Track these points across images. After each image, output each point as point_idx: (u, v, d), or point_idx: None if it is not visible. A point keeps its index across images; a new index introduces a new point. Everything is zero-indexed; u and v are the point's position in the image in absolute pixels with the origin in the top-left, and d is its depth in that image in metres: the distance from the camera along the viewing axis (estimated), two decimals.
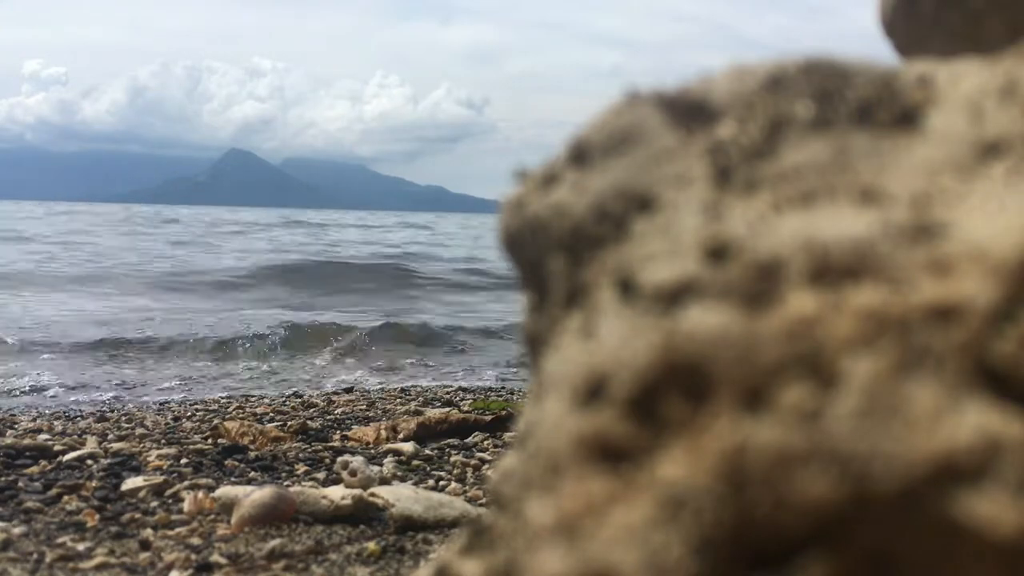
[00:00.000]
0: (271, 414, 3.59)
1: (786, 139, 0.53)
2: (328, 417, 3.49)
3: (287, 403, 3.94)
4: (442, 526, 1.97)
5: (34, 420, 3.49)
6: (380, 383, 4.88)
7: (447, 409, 3.49)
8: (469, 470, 2.62)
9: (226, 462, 2.61)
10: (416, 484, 2.37)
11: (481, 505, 2.17)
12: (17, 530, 1.96)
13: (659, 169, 0.55)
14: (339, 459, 2.45)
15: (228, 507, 2.04)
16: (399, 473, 2.53)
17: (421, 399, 4.04)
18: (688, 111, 0.57)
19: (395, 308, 8.29)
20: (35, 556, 1.82)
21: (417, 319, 7.21)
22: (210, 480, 2.39)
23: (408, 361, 5.76)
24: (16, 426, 3.26)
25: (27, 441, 2.75)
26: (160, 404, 4.12)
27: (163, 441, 2.91)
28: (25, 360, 5.31)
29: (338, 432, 3.13)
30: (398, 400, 4.02)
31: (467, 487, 2.43)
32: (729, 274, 0.46)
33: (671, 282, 0.47)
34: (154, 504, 2.18)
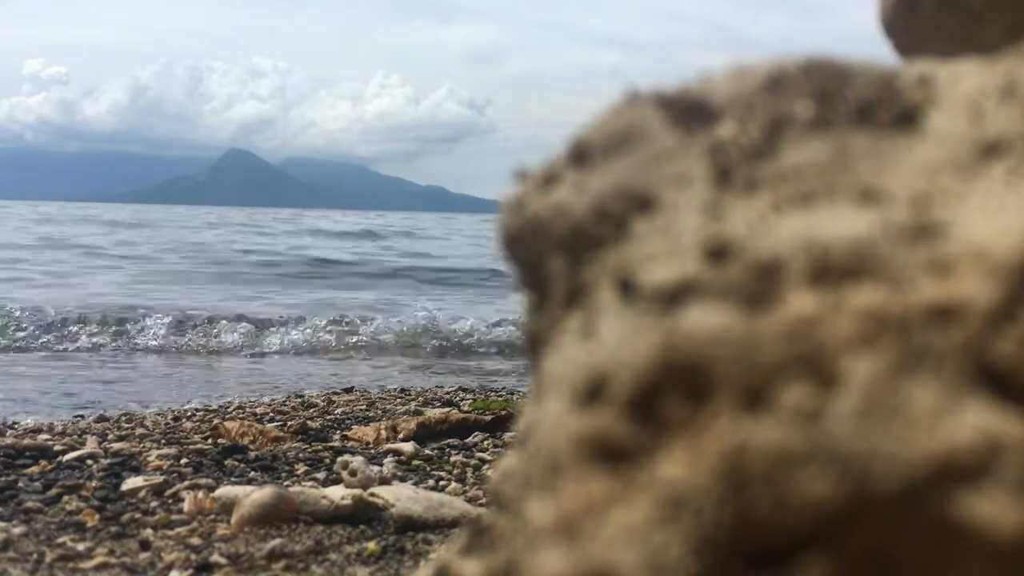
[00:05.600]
0: (271, 414, 3.59)
1: (786, 139, 0.53)
2: (328, 417, 3.49)
3: (287, 403, 3.94)
4: (442, 526, 1.97)
5: (35, 420, 3.49)
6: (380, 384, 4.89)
7: (447, 409, 3.48)
8: (469, 470, 2.62)
9: (226, 462, 2.61)
10: (416, 484, 2.37)
11: (481, 505, 2.17)
12: (17, 530, 1.96)
13: (659, 169, 0.55)
14: (339, 459, 2.45)
15: (228, 507, 2.04)
16: (399, 473, 2.53)
17: (421, 399, 4.04)
18: (688, 111, 0.57)
19: None
20: (35, 556, 1.82)
21: None
22: (210, 480, 2.38)
23: None
24: (16, 426, 3.26)
25: (27, 441, 2.75)
26: (160, 404, 4.12)
27: (163, 441, 2.91)
28: None
29: (338, 432, 3.13)
30: (398, 400, 4.02)
31: (467, 487, 2.43)
32: (729, 274, 0.46)
33: (671, 282, 0.47)
34: (154, 504, 2.18)
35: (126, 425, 3.30)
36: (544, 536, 0.44)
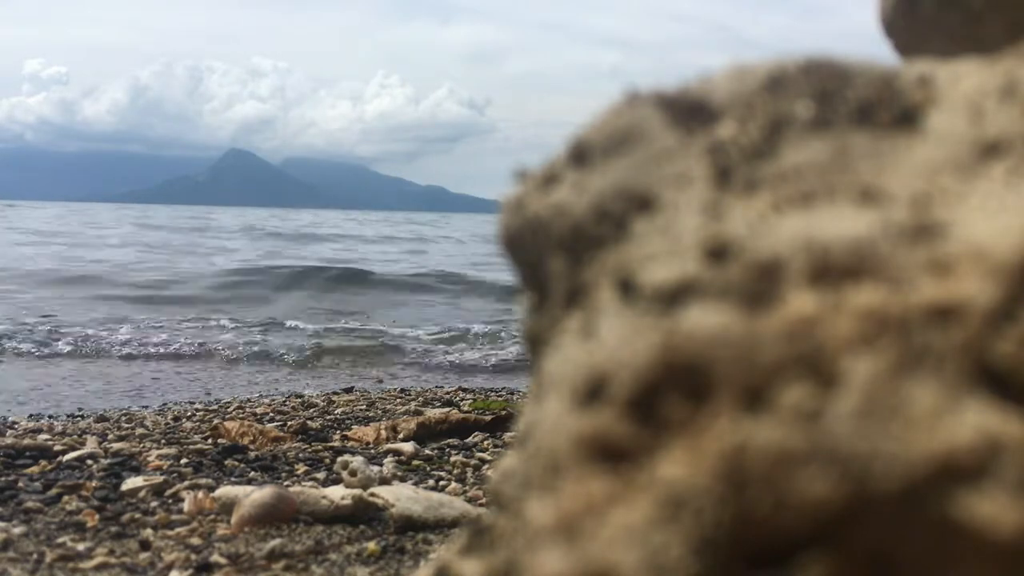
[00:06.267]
0: (271, 414, 3.59)
1: (786, 139, 0.53)
2: (328, 417, 3.49)
3: (287, 403, 3.94)
4: (442, 526, 1.97)
5: (35, 420, 3.49)
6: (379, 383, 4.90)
7: (447, 409, 3.49)
8: (469, 470, 2.62)
9: (226, 462, 2.61)
10: (416, 484, 2.37)
11: (481, 505, 2.17)
12: (17, 530, 1.96)
13: (659, 169, 0.55)
14: (339, 459, 2.45)
15: (228, 507, 2.04)
16: (399, 473, 2.53)
17: (421, 399, 4.04)
18: (688, 111, 0.57)
19: None
20: (35, 556, 1.82)
21: None
22: (210, 480, 2.39)
23: None
24: (16, 426, 3.26)
25: (27, 441, 2.75)
26: (160, 404, 4.12)
27: (163, 441, 2.91)
28: None
29: (338, 432, 3.13)
30: (398, 400, 4.02)
31: (467, 487, 2.43)
32: (729, 274, 0.46)
33: (671, 282, 0.47)
34: (154, 504, 2.18)
35: (126, 425, 3.30)
36: (544, 536, 0.44)
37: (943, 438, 0.39)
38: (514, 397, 4.01)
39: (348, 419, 3.43)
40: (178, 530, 1.98)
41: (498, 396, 4.10)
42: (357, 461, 2.30)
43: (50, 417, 3.68)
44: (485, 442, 2.95)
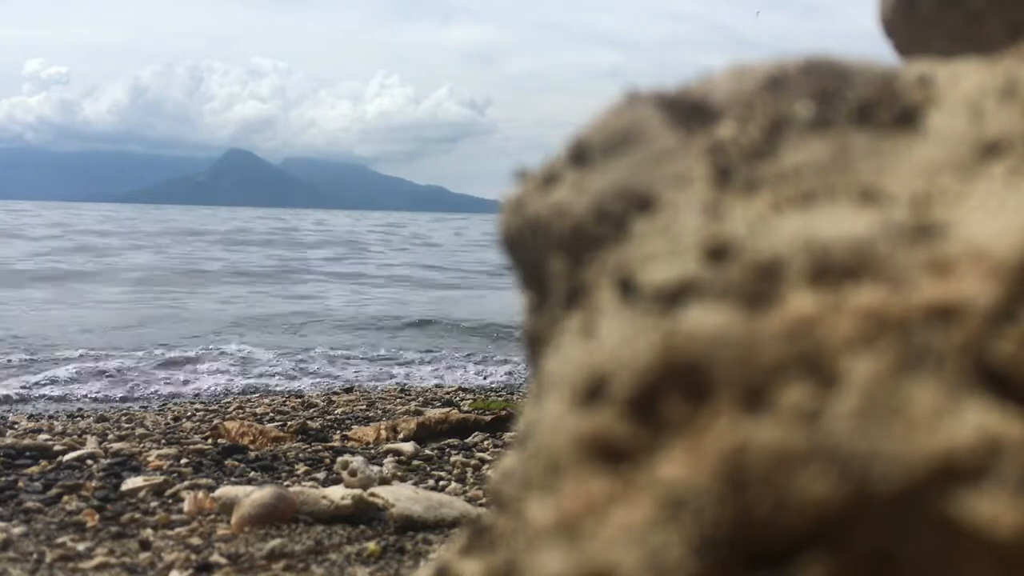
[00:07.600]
0: (271, 414, 3.59)
1: (786, 139, 0.53)
2: (328, 417, 3.49)
3: (287, 403, 3.94)
4: (442, 526, 1.97)
5: (35, 420, 3.49)
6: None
7: (447, 409, 3.48)
8: (469, 470, 2.63)
9: (226, 462, 2.61)
10: (416, 484, 2.37)
11: (481, 505, 2.17)
12: (17, 530, 1.96)
13: (659, 169, 0.55)
14: (339, 459, 2.45)
15: (228, 507, 2.04)
16: (399, 473, 2.53)
17: (421, 399, 4.04)
18: (688, 111, 0.57)
19: None
20: (35, 556, 1.82)
21: None
22: (210, 480, 2.39)
23: None
24: (16, 426, 3.26)
25: (27, 441, 2.75)
26: (160, 404, 4.12)
27: (163, 441, 2.92)
28: None
29: (338, 432, 3.13)
30: (398, 400, 4.02)
31: (467, 487, 2.43)
32: (729, 274, 0.46)
33: (671, 282, 0.47)
34: (154, 504, 2.18)
35: (126, 425, 3.30)
36: (544, 536, 0.44)
37: (943, 438, 0.39)
38: (514, 397, 4.01)
39: (348, 419, 3.43)
40: (178, 530, 1.98)
41: (498, 396, 4.10)
42: (357, 461, 2.30)
43: (50, 417, 3.68)
44: (485, 442, 2.95)
